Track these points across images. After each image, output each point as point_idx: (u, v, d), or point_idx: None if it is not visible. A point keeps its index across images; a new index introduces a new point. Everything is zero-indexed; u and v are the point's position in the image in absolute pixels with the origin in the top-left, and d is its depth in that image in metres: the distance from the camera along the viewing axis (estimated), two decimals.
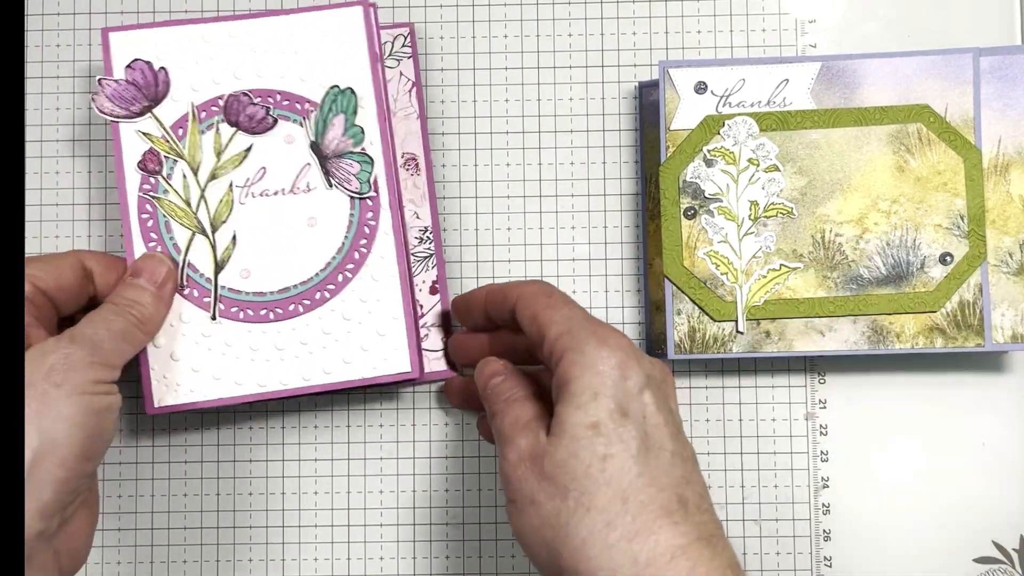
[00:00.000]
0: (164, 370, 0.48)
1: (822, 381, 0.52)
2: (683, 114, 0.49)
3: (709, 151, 0.49)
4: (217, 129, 0.49)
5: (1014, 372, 0.52)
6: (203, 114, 0.49)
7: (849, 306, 0.48)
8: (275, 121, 0.49)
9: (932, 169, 0.48)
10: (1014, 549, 0.51)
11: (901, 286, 0.48)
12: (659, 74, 0.49)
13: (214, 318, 0.48)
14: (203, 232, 0.48)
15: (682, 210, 0.49)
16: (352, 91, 0.49)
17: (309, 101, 0.49)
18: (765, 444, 0.52)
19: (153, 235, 0.48)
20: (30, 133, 0.53)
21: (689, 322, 0.49)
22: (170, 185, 0.49)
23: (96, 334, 0.42)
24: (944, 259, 0.48)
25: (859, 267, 0.48)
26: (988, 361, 0.52)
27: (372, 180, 0.48)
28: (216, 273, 0.48)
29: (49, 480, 0.39)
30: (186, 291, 0.48)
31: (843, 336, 0.48)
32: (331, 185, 0.48)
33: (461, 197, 0.53)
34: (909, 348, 0.48)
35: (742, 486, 0.52)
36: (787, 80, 0.48)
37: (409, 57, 0.52)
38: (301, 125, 0.49)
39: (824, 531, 0.52)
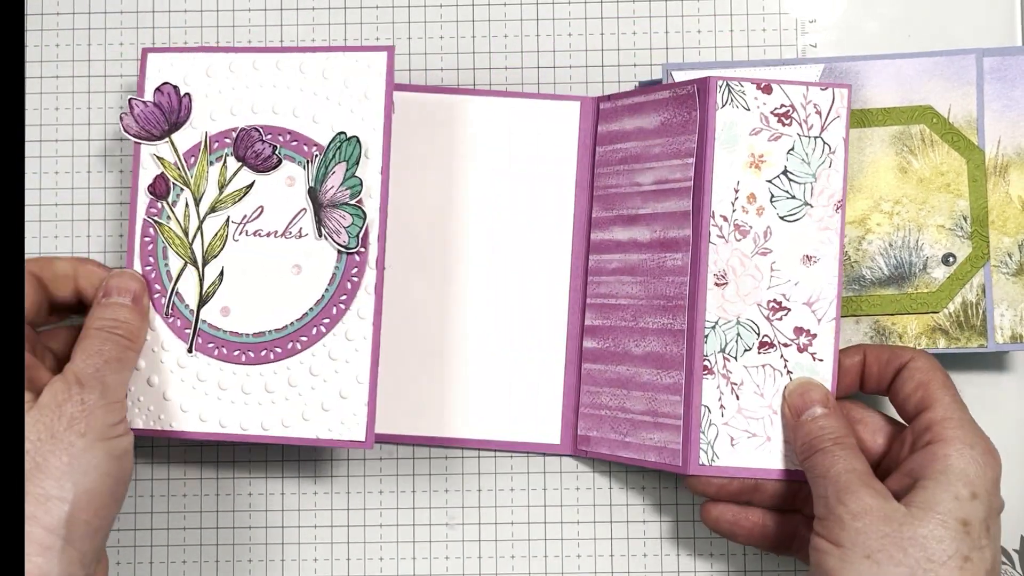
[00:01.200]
0: (140, 392, 0.48)
1: None
2: None
3: None
4: (224, 162, 0.48)
5: (1015, 372, 0.52)
6: (215, 145, 0.48)
7: (852, 307, 0.48)
8: (280, 160, 0.47)
9: (935, 170, 0.48)
10: (1014, 549, 0.51)
11: (904, 287, 0.48)
12: (662, 75, 0.49)
13: (191, 351, 0.48)
14: (194, 263, 0.48)
15: None
16: (358, 140, 0.47)
17: (316, 144, 0.47)
18: None
19: (151, 259, 0.48)
20: (30, 133, 0.53)
21: None
22: (173, 212, 0.48)
23: (98, 372, 0.43)
24: (947, 260, 0.48)
25: (862, 268, 0.48)
26: (989, 361, 0.52)
27: (361, 235, 0.46)
28: (199, 307, 0.48)
29: (88, 530, 0.41)
30: (170, 320, 0.48)
31: (846, 336, 0.48)
32: (321, 235, 0.47)
33: None
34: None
35: None
36: None
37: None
38: (304, 168, 0.47)
39: None
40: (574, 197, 0.51)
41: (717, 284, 0.46)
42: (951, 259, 0.48)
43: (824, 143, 0.46)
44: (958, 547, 0.39)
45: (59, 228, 0.53)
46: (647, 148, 0.48)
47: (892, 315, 0.48)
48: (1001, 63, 0.48)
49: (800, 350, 0.46)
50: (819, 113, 0.46)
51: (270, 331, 0.47)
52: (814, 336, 0.46)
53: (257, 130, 0.48)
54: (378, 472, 0.52)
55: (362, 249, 0.46)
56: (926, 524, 0.39)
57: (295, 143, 0.47)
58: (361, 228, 0.46)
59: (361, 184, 0.46)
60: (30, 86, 0.53)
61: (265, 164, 0.47)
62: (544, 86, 0.53)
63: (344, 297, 0.46)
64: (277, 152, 0.47)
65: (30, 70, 0.53)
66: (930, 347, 0.48)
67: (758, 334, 0.46)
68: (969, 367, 0.52)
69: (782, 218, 0.46)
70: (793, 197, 0.46)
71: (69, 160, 0.53)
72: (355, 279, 0.46)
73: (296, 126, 0.48)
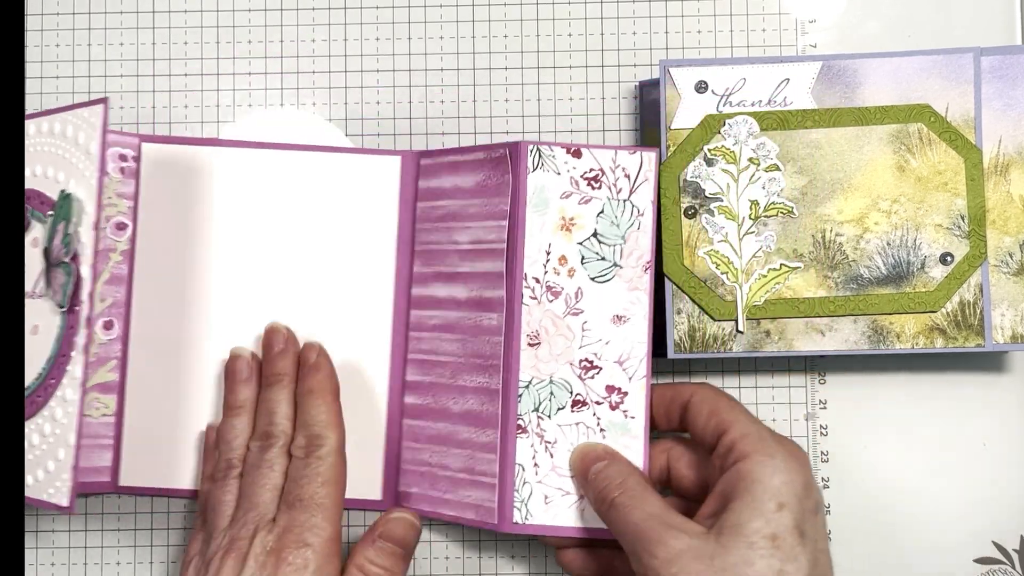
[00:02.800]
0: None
1: (822, 381, 0.52)
2: (683, 113, 0.49)
3: (709, 150, 0.49)
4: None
5: (1014, 372, 0.52)
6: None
7: (849, 306, 0.48)
8: (29, 223, 0.47)
9: (933, 169, 0.48)
10: (1014, 549, 0.51)
11: (901, 286, 0.48)
12: (660, 73, 0.49)
13: None
14: None
15: (682, 209, 0.49)
16: (71, 197, 0.46)
17: (53, 203, 0.47)
18: None
19: None
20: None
21: (689, 321, 0.49)
22: None
23: None
24: (944, 259, 0.48)
25: (859, 267, 0.48)
26: (988, 361, 0.52)
27: (70, 293, 0.45)
28: None
29: None
30: None
31: (843, 336, 0.48)
32: (47, 294, 0.46)
33: None
34: (909, 348, 0.48)
35: None
36: (788, 79, 0.48)
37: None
38: (44, 227, 0.47)
39: None
40: (396, 252, 0.51)
41: (530, 344, 0.47)
42: (949, 258, 0.48)
43: (633, 206, 0.47)
44: (769, 564, 0.39)
45: None
46: (464, 207, 0.49)
47: (890, 314, 0.48)
48: (1002, 62, 0.48)
49: (612, 408, 0.47)
50: (628, 176, 0.47)
51: (28, 388, 0.47)
52: (625, 394, 0.47)
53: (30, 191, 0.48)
54: None
55: (76, 308, 0.45)
56: (735, 550, 0.39)
57: (43, 205, 0.47)
58: (70, 286, 0.45)
59: (72, 241, 0.45)
60: (30, 86, 0.53)
61: (27, 227, 0.48)
62: (544, 87, 0.53)
63: (64, 357, 0.45)
64: (31, 215, 0.47)
65: (30, 70, 0.54)
66: (928, 347, 0.48)
67: (571, 393, 0.47)
68: (967, 367, 0.52)
69: (592, 279, 0.47)
70: (603, 259, 0.47)
71: None
72: (73, 339, 0.45)
73: (44, 187, 0.47)
